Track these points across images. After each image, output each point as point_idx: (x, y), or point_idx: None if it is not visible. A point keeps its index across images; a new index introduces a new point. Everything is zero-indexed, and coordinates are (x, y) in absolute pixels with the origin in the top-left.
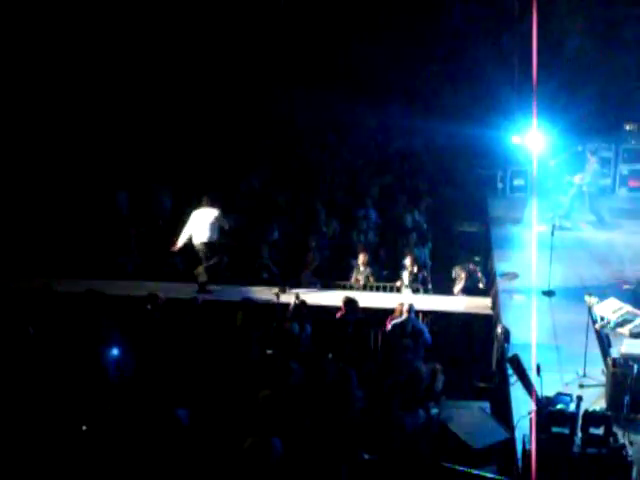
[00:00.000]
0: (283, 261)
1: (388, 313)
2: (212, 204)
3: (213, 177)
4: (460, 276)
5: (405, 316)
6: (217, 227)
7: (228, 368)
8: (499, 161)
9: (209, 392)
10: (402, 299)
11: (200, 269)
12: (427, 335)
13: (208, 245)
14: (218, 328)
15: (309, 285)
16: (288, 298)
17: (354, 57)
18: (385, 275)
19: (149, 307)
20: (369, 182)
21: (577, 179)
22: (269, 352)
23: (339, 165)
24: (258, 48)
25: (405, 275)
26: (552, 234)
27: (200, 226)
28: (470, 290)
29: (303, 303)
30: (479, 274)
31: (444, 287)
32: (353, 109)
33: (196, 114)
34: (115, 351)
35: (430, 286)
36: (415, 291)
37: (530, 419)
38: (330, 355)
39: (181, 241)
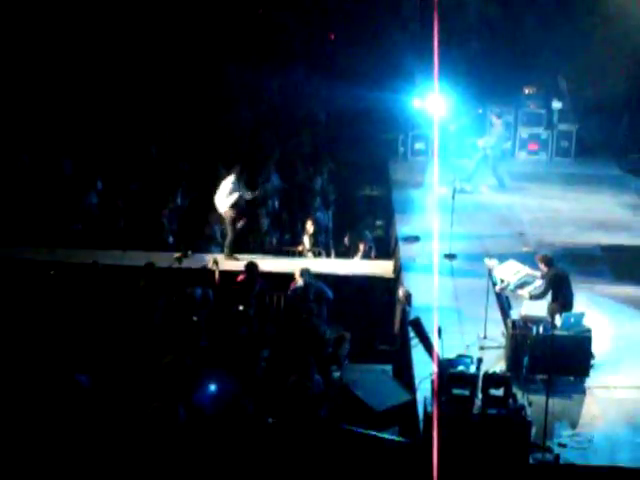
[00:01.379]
0: (186, 227)
1: (290, 278)
2: (239, 173)
3: (115, 144)
4: (358, 247)
5: (300, 282)
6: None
7: (130, 333)
8: (400, 125)
9: (111, 357)
10: (303, 264)
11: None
12: (329, 293)
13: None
14: (120, 293)
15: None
16: (190, 263)
17: (259, 22)
18: (288, 239)
19: (52, 272)
20: (272, 147)
21: (481, 142)
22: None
23: (243, 130)
24: (161, 14)
25: (306, 239)
26: (453, 197)
27: (220, 195)
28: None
29: (205, 268)
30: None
31: (346, 251)
32: (256, 74)
33: (97, 81)
34: None
35: (332, 250)
36: (317, 255)
37: (431, 381)
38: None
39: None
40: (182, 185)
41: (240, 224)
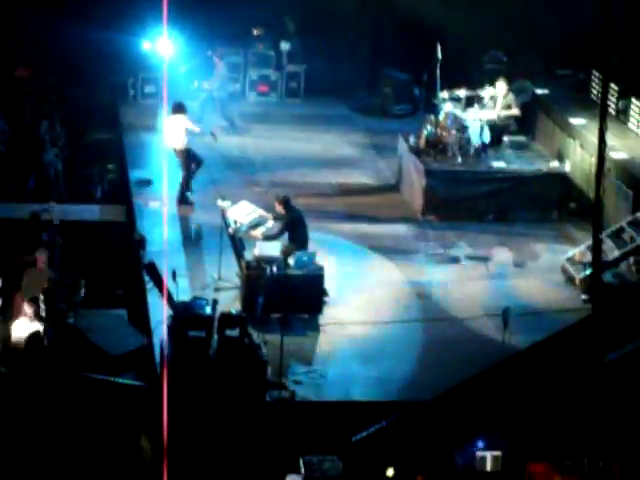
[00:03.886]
0: None
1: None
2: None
3: None
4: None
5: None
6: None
7: None
8: (130, 67)
9: None
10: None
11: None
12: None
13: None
14: None
15: None
16: None
17: None
18: (18, 185)
19: None
20: None
21: (206, 85)
22: None
23: None
24: None
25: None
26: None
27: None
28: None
29: None
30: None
31: (78, 195)
32: None
33: None
34: None
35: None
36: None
37: (167, 324)
38: None
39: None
40: None
41: (193, 166)
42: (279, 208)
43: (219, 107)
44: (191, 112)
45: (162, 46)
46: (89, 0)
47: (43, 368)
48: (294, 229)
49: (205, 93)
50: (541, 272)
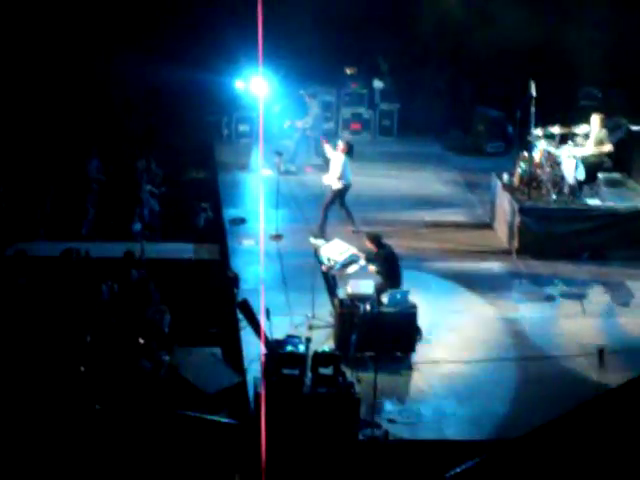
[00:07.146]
0: None
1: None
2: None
3: None
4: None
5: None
6: None
7: None
8: (224, 107)
9: None
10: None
11: None
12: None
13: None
14: None
15: None
16: None
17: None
18: (114, 224)
19: None
20: (93, 131)
21: (300, 124)
22: None
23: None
24: None
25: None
26: (277, 179)
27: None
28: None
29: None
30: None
31: (174, 234)
32: (76, 54)
33: None
34: None
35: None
36: (146, 239)
37: (261, 362)
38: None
39: None
40: None
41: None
42: (370, 246)
43: (314, 146)
44: (285, 151)
45: (256, 86)
46: (184, 42)
47: (138, 405)
48: (391, 266)
49: (299, 132)
50: (637, 310)
